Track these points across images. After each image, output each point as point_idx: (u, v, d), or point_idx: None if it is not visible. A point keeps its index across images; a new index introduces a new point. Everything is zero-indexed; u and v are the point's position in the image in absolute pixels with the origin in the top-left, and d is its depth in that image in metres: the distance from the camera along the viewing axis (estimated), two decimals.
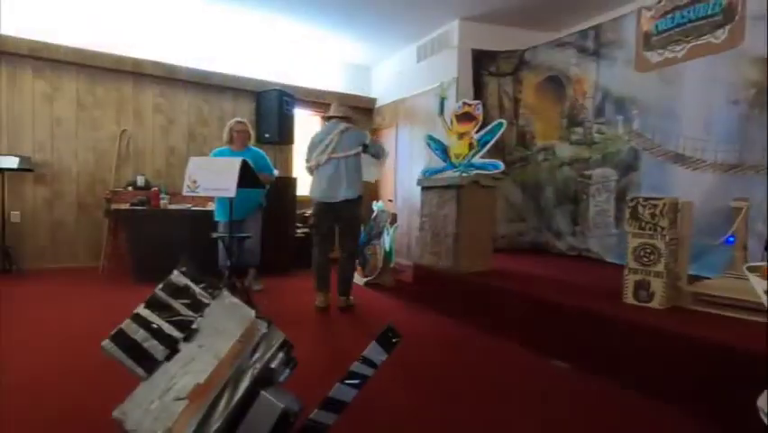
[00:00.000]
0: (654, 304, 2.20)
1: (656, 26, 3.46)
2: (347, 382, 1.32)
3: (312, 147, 3.18)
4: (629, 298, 2.31)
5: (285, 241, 4.65)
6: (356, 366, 1.34)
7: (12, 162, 4.01)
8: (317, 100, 5.81)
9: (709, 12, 3.12)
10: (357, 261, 4.28)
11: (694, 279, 2.39)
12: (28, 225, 4.32)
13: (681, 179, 3.24)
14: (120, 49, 4.58)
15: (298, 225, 5.06)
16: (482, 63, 4.66)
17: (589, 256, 3.98)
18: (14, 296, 3.30)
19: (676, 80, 3.33)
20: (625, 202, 2.42)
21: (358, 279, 4.25)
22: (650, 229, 2.22)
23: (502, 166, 3.20)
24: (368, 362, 1.36)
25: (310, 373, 1.74)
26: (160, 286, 1.22)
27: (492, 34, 4.67)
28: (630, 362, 2.00)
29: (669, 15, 3.37)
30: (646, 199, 2.25)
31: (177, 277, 1.24)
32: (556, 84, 4.32)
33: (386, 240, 4.07)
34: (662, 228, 2.18)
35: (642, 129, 3.58)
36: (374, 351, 1.37)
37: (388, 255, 4.08)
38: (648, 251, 2.23)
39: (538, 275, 3.28)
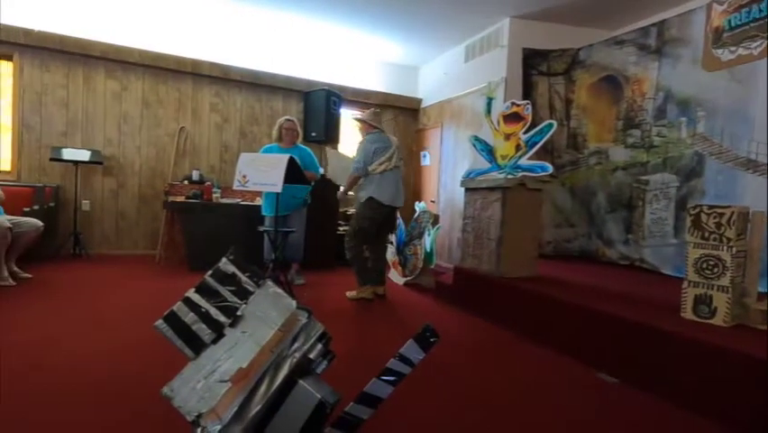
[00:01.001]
0: (717, 321, 2.04)
1: (729, 21, 3.20)
2: (383, 378, 1.32)
3: (375, 154, 3.34)
4: (688, 312, 2.15)
5: (328, 237, 4.74)
6: (393, 363, 1.35)
7: (84, 156, 4.37)
8: (364, 100, 5.88)
9: None
10: None
11: (765, 296, 2.19)
12: (96, 214, 4.69)
13: (751, 187, 2.98)
14: (181, 50, 4.87)
15: (341, 222, 5.14)
16: (533, 62, 4.52)
17: (644, 267, 3.75)
18: (81, 278, 3.59)
19: (749, 80, 3.05)
20: (686, 210, 2.26)
21: (397, 278, 4.26)
22: (714, 240, 2.06)
23: (551, 168, 3.08)
24: (405, 360, 1.35)
25: (348, 367, 1.76)
26: (210, 272, 1.28)
27: (543, 32, 4.52)
28: (685, 380, 1.86)
29: (744, 9, 3.11)
30: (711, 207, 2.09)
31: (225, 264, 1.30)
32: (612, 84, 4.10)
33: (427, 241, 4.05)
34: (729, 239, 2.01)
35: (708, 132, 3.32)
36: (411, 349, 1.36)
37: (428, 256, 4.04)
38: (711, 263, 2.06)
39: (586, 283, 3.13)
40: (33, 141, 4.43)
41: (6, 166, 4.42)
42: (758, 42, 3.01)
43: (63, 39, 4.38)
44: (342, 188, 3.63)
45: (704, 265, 2.08)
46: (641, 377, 2.02)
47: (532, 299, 2.81)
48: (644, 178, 3.78)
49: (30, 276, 3.38)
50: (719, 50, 3.26)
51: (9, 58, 4.35)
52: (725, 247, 2.02)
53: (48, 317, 2.53)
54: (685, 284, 2.16)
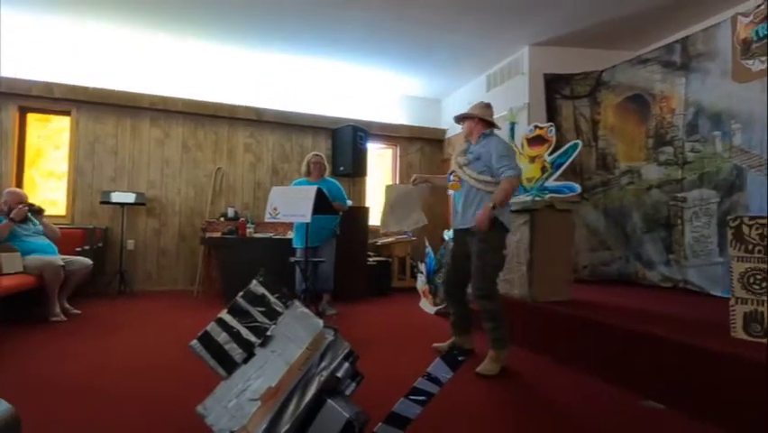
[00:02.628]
0: None
1: (756, 32, 3.15)
2: (411, 397, 1.31)
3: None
4: (738, 332, 2.01)
5: (358, 268, 4.78)
6: (421, 382, 1.34)
7: (130, 198, 4.68)
8: (390, 134, 6.06)
9: None
10: (428, 288, 4.27)
11: None
12: (139, 253, 4.96)
13: None
14: (218, 97, 5.23)
15: (370, 253, 5.18)
16: (555, 87, 4.55)
17: (689, 288, 3.54)
18: (125, 313, 3.77)
19: None
20: (725, 223, 2.16)
21: (428, 307, 4.21)
22: (759, 252, 1.95)
23: (579, 189, 3.04)
24: (433, 379, 1.34)
25: (378, 390, 1.75)
26: (241, 294, 1.34)
27: (564, 57, 4.57)
28: (738, 405, 1.72)
29: None
30: (752, 218, 1.99)
31: (255, 286, 1.35)
32: (639, 103, 4.06)
33: None
34: None
35: (746, 145, 3.20)
36: (439, 368, 1.35)
37: None
38: (759, 277, 1.94)
39: (627, 306, 2.98)
40: (86, 186, 4.80)
41: (62, 210, 4.78)
42: None
43: (114, 93, 4.82)
44: (496, 198, 2.31)
45: (751, 280, 1.96)
46: (690, 403, 1.88)
47: (568, 323, 2.71)
48: (680, 195, 3.64)
49: (79, 312, 3.58)
50: (749, 61, 3.20)
51: (68, 113, 4.81)
52: None
53: (95, 349, 2.66)
54: (732, 301, 2.04)
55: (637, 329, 2.29)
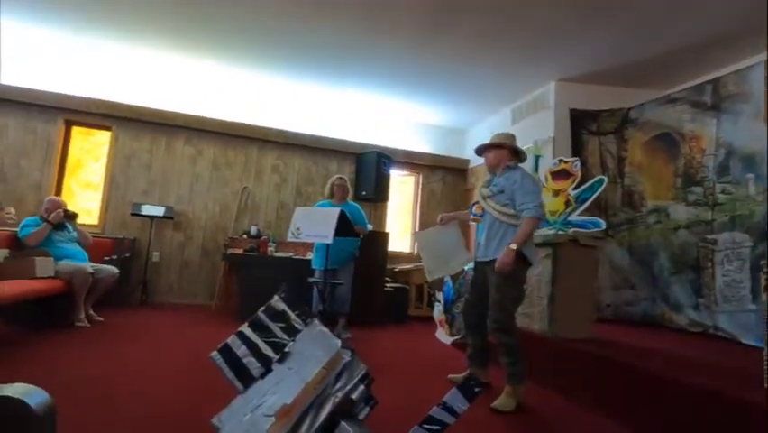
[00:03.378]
0: None
1: None
2: (425, 426, 1.29)
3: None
4: None
5: (375, 294, 4.76)
6: (436, 411, 1.32)
7: (159, 211, 4.85)
8: (413, 161, 6.13)
9: None
10: (445, 319, 4.20)
11: None
12: (164, 265, 5.08)
13: None
14: (250, 119, 5.44)
15: (388, 279, 5.17)
16: (582, 122, 4.55)
17: (719, 335, 3.38)
18: (145, 323, 3.84)
19: None
20: (759, 268, 2.08)
21: (444, 337, 4.14)
22: None
23: (603, 224, 2.99)
24: (448, 408, 1.32)
25: (389, 416, 1.72)
26: (263, 309, 1.37)
27: (591, 94, 4.59)
28: None
29: None
30: None
31: (276, 302, 1.38)
32: (668, 142, 4.01)
33: None
34: None
35: None
36: (455, 398, 1.33)
37: None
38: None
39: (652, 349, 2.87)
40: (119, 198, 5.01)
41: (95, 220, 4.98)
42: None
43: (153, 111, 5.08)
44: (518, 239, 2.30)
45: None
46: None
47: (590, 362, 2.62)
48: (710, 237, 3.53)
49: (102, 319, 3.67)
50: None
51: (109, 128, 5.08)
52: None
53: (116, 356, 2.72)
54: (767, 350, 1.93)
55: (663, 375, 2.20)
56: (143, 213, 4.77)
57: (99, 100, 4.91)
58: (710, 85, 3.69)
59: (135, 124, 5.09)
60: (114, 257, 4.36)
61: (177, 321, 4.07)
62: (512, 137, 2.58)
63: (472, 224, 5.36)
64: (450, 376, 2.74)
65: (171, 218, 5.00)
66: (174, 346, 3.12)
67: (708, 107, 3.68)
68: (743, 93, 3.43)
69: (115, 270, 3.83)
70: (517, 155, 2.55)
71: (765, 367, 1.94)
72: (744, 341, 3.17)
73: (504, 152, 2.51)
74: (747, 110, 3.39)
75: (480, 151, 2.63)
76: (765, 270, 1.98)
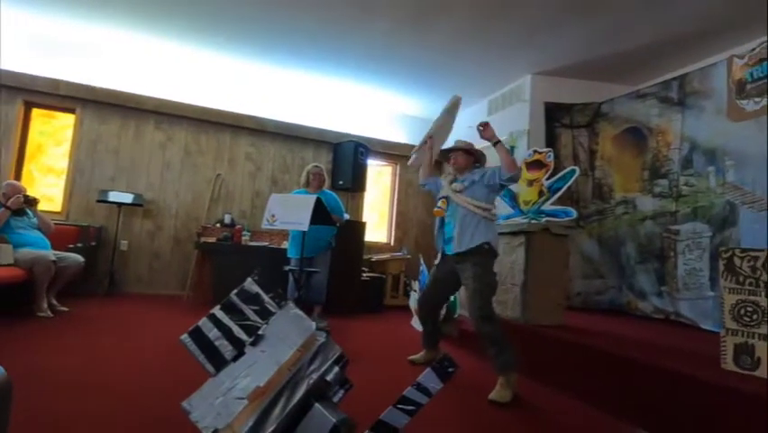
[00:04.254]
0: (761, 372, 1.89)
1: (751, 74, 3.25)
2: (400, 406, 1.30)
3: None
4: (729, 364, 2.01)
5: (351, 283, 4.75)
6: (410, 392, 1.33)
7: (128, 198, 4.68)
8: (390, 152, 6.12)
9: None
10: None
11: None
12: (133, 254, 4.91)
13: None
14: (223, 105, 5.29)
15: (364, 268, 5.17)
16: (555, 115, 4.65)
17: (680, 321, 3.55)
18: (112, 314, 3.71)
19: None
20: (718, 254, 2.19)
21: (419, 325, 4.17)
22: (750, 284, 1.97)
23: (574, 213, 3.08)
24: (422, 389, 1.33)
25: (364, 399, 1.72)
26: (235, 291, 1.34)
27: (565, 87, 4.69)
28: None
29: (765, 62, 3.17)
30: (744, 251, 2.02)
31: (249, 285, 1.35)
32: (636, 135, 4.14)
33: None
34: (766, 284, 1.92)
35: (739, 181, 3.26)
36: (429, 378, 1.34)
37: (451, 306, 3.97)
38: (749, 309, 1.96)
39: (619, 334, 2.98)
40: (84, 184, 4.79)
41: (57, 207, 4.76)
42: None
43: (121, 94, 4.86)
44: (503, 150, 2.47)
45: (741, 312, 1.97)
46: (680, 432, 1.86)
47: (560, 348, 2.70)
48: (674, 227, 3.69)
49: (66, 309, 3.52)
50: (744, 101, 3.29)
51: (72, 111, 4.84)
52: (762, 292, 1.92)
53: (81, 346, 2.61)
54: (723, 332, 2.04)
55: (630, 357, 2.29)
56: (110, 200, 4.59)
57: (62, 81, 4.67)
58: (677, 81, 3.83)
59: (102, 108, 4.87)
60: (80, 245, 4.18)
61: (146, 311, 3.95)
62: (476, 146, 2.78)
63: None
64: (410, 357, 2.89)
65: (141, 206, 4.83)
66: (143, 336, 3.03)
67: (675, 103, 3.82)
68: (706, 90, 3.58)
69: (81, 258, 3.68)
70: (478, 160, 2.76)
71: (722, 350, 2.05)
72: (702, 326, 3.34)
73: (472, 157, 2.73)
74: (709, 106, 3.54)
75: (450, 152, 2.77)
76: (724, 256, 2.08)
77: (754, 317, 1.93)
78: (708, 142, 3.52)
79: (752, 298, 1.95)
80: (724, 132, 3.41)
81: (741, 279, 2.00)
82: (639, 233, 3.98)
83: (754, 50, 3.23)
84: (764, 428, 1.60)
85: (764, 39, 3.20)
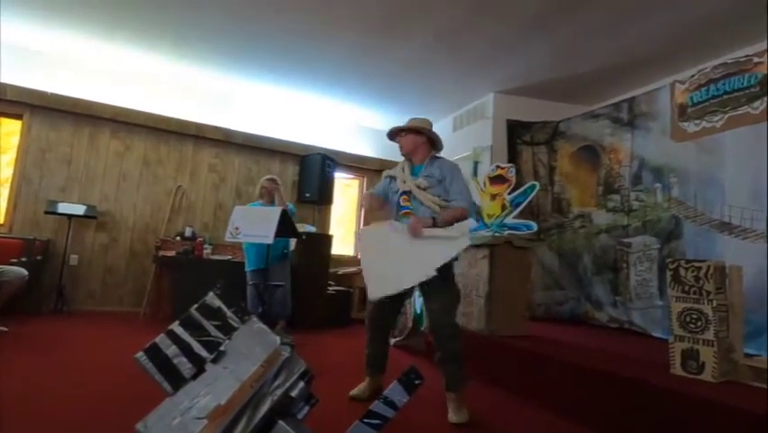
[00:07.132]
0: (706, 376, 2.02)
1: (691, 98, 3.52)
2: (366, 421, 1.29)
3: None
4: (677, 369, 2.13)
5: (317, 297, 4.68)
6: (376, 406, 1.32)
7: (79, 210, 4.43)
8: (358, 165, 6.14)
9: (745, 84, 3.17)
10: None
11: (751, 357, 2.18)
12: (83, 269, 4.64)
13: (730, 247, 3.09)
14: (185, 114, 5.15)
15: (331, 282, 5.11)
16: (517, 132, 4.84)
17: (633, 329, 3.73)
18: (59, 333, 3.47)
19: (716, 149, 3.30)
20: (665, 265, 2.33)
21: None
22: (695, 293, 2.10)
23: (535, 227, 3.19)
24: (389, 402, 1.33)
25: (330, 415, 1.70)
26: (196, 306, 1.29)
27: (525, 106, 4.90)
28: None
29: (703, 88, 3.44)
30: (688, 262, 2.16)
31: (211, 299, 1.31)
32: (591, 153, 4.38)
33: (417, 301, 4.01)
34: (708, 292, 2.06)
35: (682, 197, 3.50)
36: (395, 392, 1.34)
37: (418, 319, 3.99)
38: (694, 316, 2.09)
39: (577, 344, 3.09)
40: (31, 194, 4.50)
41: (0, 218, 4.44)
42: (719, 117, 3.30)
43: (75, 101, 4.64)
44: (444, 217, 2.19)
45: (687, 319, 2.10)
46: None
47: (522, 358, 2.76)
48: (626, 240, 3.90)
49: (6, 329, 3.26)
50: (685, 123, 3.56)
51: (19, 117, 4.56)
52: (705, 300, 2.06)
53: (23, 368, 2.42)
54: (672, 339, 2.16)
55: (585, 364, 2.37)
56: (60, 211, 4.33)
57: (8, 85, 4.40)
58: (626, 103, 4.09)
59: (53, 114, 4.62)
60: (24, 259, 3.90)
61: (98, 329, 3.72)
62: (429, 123, 2.36)
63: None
64: (351, 393, 2.37)
65: (94, 218, 4.58)
66: (94, 356, 2.84)
67: (625, 123, 4.07)
68: (652, 112, 3.84)
69: (23, 271, 3.42)
70: (434, 145, 2.34)
71: (671, 356, 2.16)
72: (653, 334, 3.52)
73: (421, 138, 2.30)
74: (655, 127, 3.80)
75: (394, 134, 2.39)
76: (670, 267, 2.22)
77: (699, 323, 2.06)
78: (655, 160, 3.77)
79: (696, 306, 2.09)
80: (668, 151, 3.66)
81: (686, 288, 2.13)
82: (595, 245, 4.18)
83: (693, 76, 3.51)
84: (711, 430, 1.70)
85: (704, 66, 3.49)
